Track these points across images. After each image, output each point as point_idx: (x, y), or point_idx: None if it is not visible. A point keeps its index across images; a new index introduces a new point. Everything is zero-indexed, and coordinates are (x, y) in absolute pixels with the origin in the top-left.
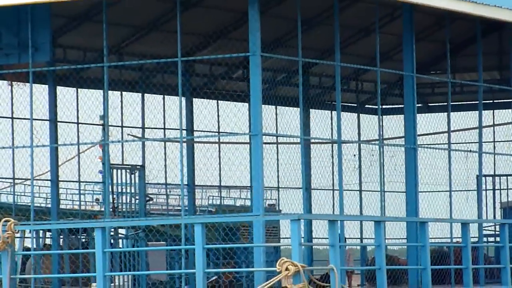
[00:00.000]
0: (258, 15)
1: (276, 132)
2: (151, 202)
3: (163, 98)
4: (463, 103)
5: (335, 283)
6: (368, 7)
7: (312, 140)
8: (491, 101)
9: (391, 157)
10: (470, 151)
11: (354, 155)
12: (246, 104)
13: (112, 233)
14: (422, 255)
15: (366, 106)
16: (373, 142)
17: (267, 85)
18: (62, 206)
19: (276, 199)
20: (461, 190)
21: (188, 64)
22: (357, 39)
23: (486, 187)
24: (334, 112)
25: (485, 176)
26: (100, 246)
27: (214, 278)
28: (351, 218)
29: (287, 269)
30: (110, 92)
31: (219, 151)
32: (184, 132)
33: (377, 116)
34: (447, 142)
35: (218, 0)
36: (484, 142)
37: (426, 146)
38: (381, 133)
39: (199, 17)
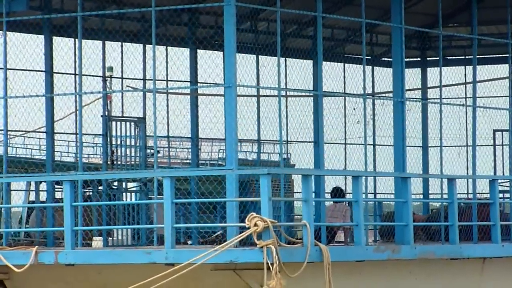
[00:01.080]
0: None
1: (286, 85)
2: (158, 155)
3: (166, 50)
4: (482, 56)
5: (307, 239)
6: None
7: (292, 93)
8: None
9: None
10: (462, 105)
11: (354, 109)
12: (254, 56)
13: (115, 186)
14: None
15: (383, 59)
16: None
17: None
18: (65, 159)
19: (288, 153)
20: (478, 145)
21: (193, 15)
22: None
23: (502, 142)
24: (347, 65)
25: (498, 131)
26: (68, 199)
27: (219, 232)
28: (327, 172)
29: (255, 224)
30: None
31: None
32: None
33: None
34: (464, 97)
35: None
36: (498, 96)
37: (413, 99)
38: (365, 86)
39: None
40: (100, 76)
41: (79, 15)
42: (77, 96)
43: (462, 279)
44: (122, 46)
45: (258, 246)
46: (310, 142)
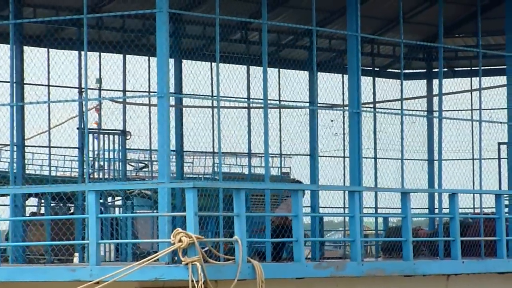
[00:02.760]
0: None
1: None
2: (146, 169)
3: (148, 60)
4: (488, 67)
5: (239, 255)
6: None
7: (254, 104)
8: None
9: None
10: (426, 116)
11: (332, 121)
12: (244, 67)
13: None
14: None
15: (388, 70)
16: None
17: (275, 47)
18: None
19: (289, 167)
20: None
21: (178, 24)
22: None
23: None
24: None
25: (502, 143)
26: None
27: (206, 248)
28: (257, 186)
29: (180, 240)
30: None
31: (213, 115)
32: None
33: (398, 80)
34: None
35: None
36: (499, 108)
37: (368, 111)
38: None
39: None
40: (76, 88)
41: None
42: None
43: None
44: (100, 56)
45: (183, 263)
46: (306, 155)
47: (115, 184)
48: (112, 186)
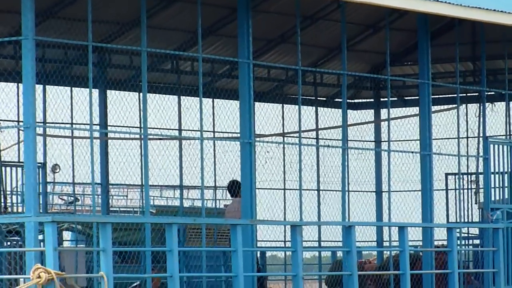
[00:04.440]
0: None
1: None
2: (77, 202)
3: (71, 90)
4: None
5: None
6: None
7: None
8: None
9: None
10: (328, 146)
11: (267, 152)
12: (176, 97)
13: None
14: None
15: (335, 100)
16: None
17: (210, 78)
18: None
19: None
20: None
21: (103, 54)
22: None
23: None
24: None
25: (450, 174)
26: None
27: (136, 283)
28: (149, 220)
29: (39, 276)
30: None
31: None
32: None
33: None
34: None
35: None
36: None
37: (263, 141)
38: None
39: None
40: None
41: None
42: None
43: None
44: (18, 86)
45: None
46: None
47: None
48: None
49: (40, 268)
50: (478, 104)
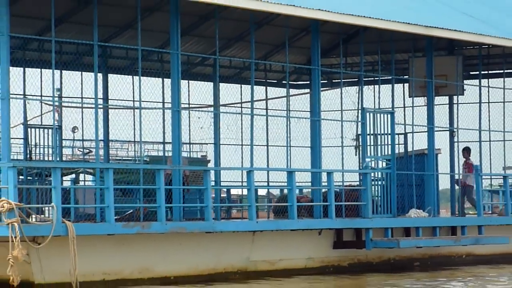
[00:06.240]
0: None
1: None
2: (91, 153)
3: (81, 75)
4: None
5: (54, 217)
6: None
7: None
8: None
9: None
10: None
11: (199, 118)
12: (160, 79)
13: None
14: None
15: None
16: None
17: (188, 66)
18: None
19: (206, 152)
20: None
21: (105, 48)
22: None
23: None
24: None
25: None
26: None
27: (130, 211)
28: (116, 165)
29: (2, 206)
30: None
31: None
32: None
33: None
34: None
35: None
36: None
37: (189, 109)
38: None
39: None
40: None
41: None
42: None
43: (234, 248)
44: (41, 72)
45: (5, 223)
46: (211, 144)
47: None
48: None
49: (4, 200)
50: (358, 86)
